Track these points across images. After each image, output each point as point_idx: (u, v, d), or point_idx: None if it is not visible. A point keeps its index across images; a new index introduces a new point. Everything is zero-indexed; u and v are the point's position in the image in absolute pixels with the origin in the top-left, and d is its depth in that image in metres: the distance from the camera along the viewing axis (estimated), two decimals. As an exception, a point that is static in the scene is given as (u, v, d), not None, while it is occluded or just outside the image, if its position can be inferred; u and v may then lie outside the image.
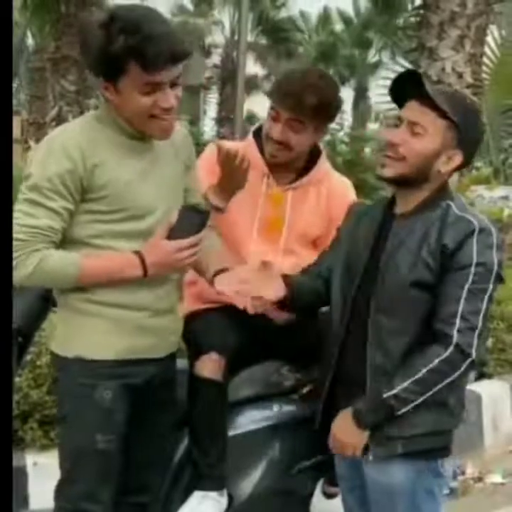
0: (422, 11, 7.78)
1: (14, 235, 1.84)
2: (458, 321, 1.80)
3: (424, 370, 1.80)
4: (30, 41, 18.75)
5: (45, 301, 2.19)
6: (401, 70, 9.14)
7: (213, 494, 2.28)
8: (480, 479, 3.78)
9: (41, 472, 2.82)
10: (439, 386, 1.82)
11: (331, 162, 2.56)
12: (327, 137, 7.74)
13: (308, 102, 2.27)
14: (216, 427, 2.32)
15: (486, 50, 9.15)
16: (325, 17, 28.00)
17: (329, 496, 2.47)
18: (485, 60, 9.04)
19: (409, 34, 8.60)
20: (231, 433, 2.39)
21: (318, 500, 2.48)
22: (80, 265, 1.90)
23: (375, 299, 1.91)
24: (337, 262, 2.04)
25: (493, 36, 9.47)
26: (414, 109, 1.88)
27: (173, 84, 1.88)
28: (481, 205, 7.50)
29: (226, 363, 2.28)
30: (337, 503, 2.39)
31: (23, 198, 1.88)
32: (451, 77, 7.61)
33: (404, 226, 1.92)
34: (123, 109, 1.91)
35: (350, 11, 27.47)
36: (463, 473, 3.76)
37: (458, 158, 1.90)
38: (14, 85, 30.82)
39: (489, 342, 4.49)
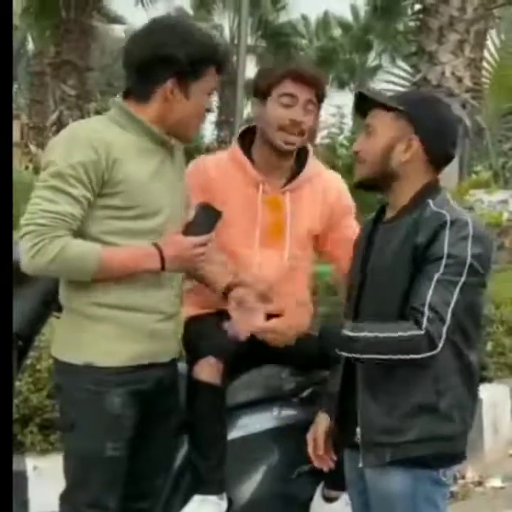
0: (421, 16, 7.81)
1: (34, 221, 1.84)
2: (426, 310, 1.78)
3: (390, 334, 1.79)
4: (30, 46, 18.78)
5: (46, 306, 2.18)
6: (401, 73, 9.17)
7: (213, 498, 2.28)
8: (480, 483, 3.78)
9: (41, 476, 2.81)
10: (392, 357, 1.79)
11: (331, 165, 2.57)
12: (327, 140, 7.75)
13: (324, 81, 2.39)
14: (215, 431, 2.31)
15: (486, 54, 9.17)
16: (325, 21, 28.05)
17: (329, 499, 2.46)
18: (484, 64, 9.07)
19: (409, 38, 8.61)
20: (231, 436, 2.39)
21: (318, 504, 2.48)
22: (101, 255, 1.90)
23: (367, 303, 1.93)
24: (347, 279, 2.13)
25: (492, 41, 9.49)
26: (368, 117, 1.98)
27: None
28: (481, 209, 7.50)
29: (224, 367, 2.28)
30: (337, 506, 2.39)
31: (44, 185, 1.88)
32: (450, 81, 7.64)
33: (390, 230, 1.95)
34: (180, 113, 2.00)
35: (349, 15, 27.53)
36: (463, 477, 3.76)
37: (415, 143, 1.92)
38: (14, 89, 30.87)
39: (489, 345, 4.49)
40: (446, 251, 1.80)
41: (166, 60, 1.93)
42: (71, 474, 2.03)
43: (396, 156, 1.92)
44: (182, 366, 2.32)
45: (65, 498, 2.05)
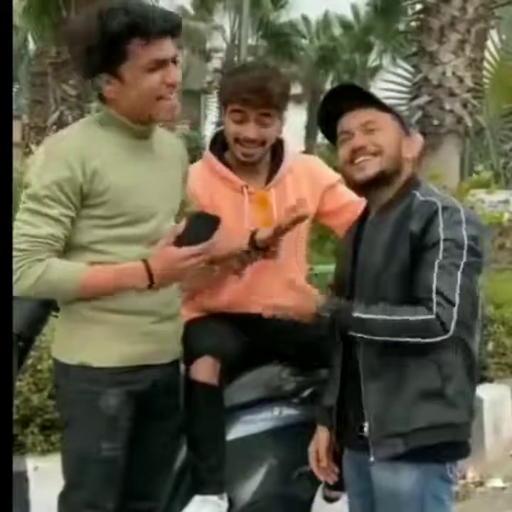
0: (422, 16, 7.80)
1: (16, 246, 1.82)
2: (434, 296, 1.79)
3: (403, 317, 1.80)
4: (31, 46, 18.77)
5: (46, 306, 2.18)
6: (402, 73, 9.14)
7: (213, 498, 2.28)
8: (481, 483, 3.78)
9: (42, 477, 2.81)
10: (401, 340, 1.80)
11: (332, 166, 2.57)
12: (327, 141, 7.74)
13: (273, 93, 2.28)
14: (213, 431, 2.31)
15: (486, 54, 9.17)
16: (325, 21, 28.04)
17: (330, 500, 2.46)
18: (485, 64, 9.06)
19: (410, 38, 8.60)
20: (231, 437, 2.39)
21: (319, 504, 2.48)
22: (82, 277, 1.87)
23: (359, 299, 1.92)
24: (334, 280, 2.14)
25: (492, 41, 9.48)
26: (356, 116, 1.96)
27: (173, 62, 1.90)
28: (482, 209, 7.50)
29: (222, 367, 2.27)
30: (338, 507, 2.39)
31: (23, 208, 1.87)
32: (451, 81, 7.64)
33: (378, 225, 1.96)
34: (127, 98, 1.90)
35: (350, 15, 27.53)
36: (464, 477, 3.76)
37: (414, 142, 1.99)
38: (15, 90, 30.87)
39: (490, 346, 4.49)
40: (442, 235, 1.82)
41: (94, 49, 1.83)
42: (68, 474, 2.03)
43: (404, 152, 1.97)
44: (181, 367, 2.32)
45: (62, 498, 2.05)
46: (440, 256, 1.81)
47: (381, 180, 1.95)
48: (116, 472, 2.01)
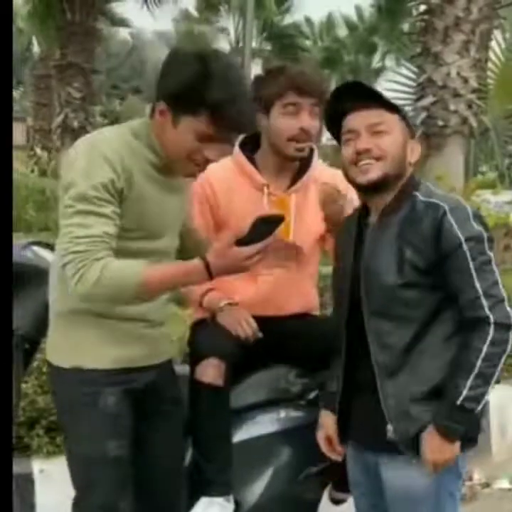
0: (426, 16, 7.78)
1: (71, 250, 1.79)
2: (484, 301, 1.81)
3: (479, 362, 1.80)
4: (35, 49, 18.83)
5: (51, 308, 2.19)
6: (407, 74, 9.11)
7: (219, 500, 2.28)
8: (487, 485, 3.77)
9: (48, 479, 2.81)
10: (499, 366, 1.82)
11: (338, 167, 2.56)
12: (333, 142, 7.72)
13: (323, 85, 2.34)
14: (219, 432, 2.31)
15: (491, 54, 9.15)
16: (329, 23, 28.05)
17: (337, 501, 2.46)
18: (489, 64, 9.04)
19: (414, 39, 8.59)
20: (238, 439, 2.38)
21: (325, 506, 2.47)
22: (144, 271, 1.83)
23: (365, 305, 1.92)
24: (333, 279, 2.12)
25: (497, 41, 9.46)
26: (363, 116, 1.93)
27: (223, 140, 1.90)
28: (487, 209, 7.48)
29: (227, 368, 2.27)
30: (345, 509, 2.39)
31: (72, 212, 1.82)
32: (456, 81, 7.62)
33: (378, 229, 1.94)
34: (165, 138, 1.91)
35: (354, 16, 27.53)
36: (470, 478, 3.75)
37: (417, 147, 1.97)
38: (19, 92, 30.98)
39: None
40: (462, 237, 1.82)
41: (181, 84, 1.84)
42: (77, 480, 2.01)
43: (408, 156, 1.95)
44: (184, 368, 2.32)
45: (76, 507, 2.03)
46: (469, 258, 1.82)
47: (383, 183, 1.93)
48: (127, 471, 2.00)
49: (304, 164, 2.46)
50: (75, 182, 1.83)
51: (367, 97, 1.92)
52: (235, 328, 2.30)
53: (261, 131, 2.41)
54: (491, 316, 1.80)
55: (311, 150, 2.46)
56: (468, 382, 1.80)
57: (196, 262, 1.87)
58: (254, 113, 1.94)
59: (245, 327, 2.30)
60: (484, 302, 1.81)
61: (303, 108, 2.31)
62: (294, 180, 2.44)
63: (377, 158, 1.91)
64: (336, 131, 2.02)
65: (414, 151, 1.97)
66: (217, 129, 1.85)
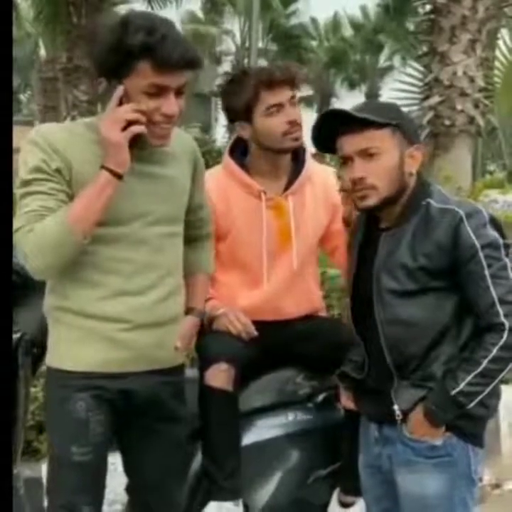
0: (433, 16, 7.76)
1: (15, 232, 1.83)
2: (499, 307, 1.80)
3: (485, 362, 1.79)
4: (42, 52, 18.88)
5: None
6: (413, 73, 9.08)
7: (229, 504, 2.27)
8: (497, 486, 3.75)
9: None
10: (505, 371, 1.81)
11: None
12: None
13: (293, 73, 2.33)
14: (228, 437, 2.30)
15: (497, 53, 9.13)
16: (335, 23, 28.05)
17: (345, 505, 2.45)
18: (496, 63, 9.02)
19: (421, 39, 8.57)
20: (246, 442, 2.38)
21: (334, 509, 2.47)
22: (65, 211, 1.82)
23: (378, 310, 1.90)
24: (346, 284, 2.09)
25: (503, 40, 9.44)
26: (354, 142, 1.87)
27: (178, 93, 1.85)
28: (495, 209, 7.45)
29: (236, 373, 2.27)
30: (353, 512, 2.38)
31: (17, 199, 1.86)
32: (463, 81, 7.60)
33: (392, 236, 1.91)
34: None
35: (359, 16, 27.50)
36: (480, 480, 3.73)
37: (417, 153, 1.92)
38: (26, 96, 31.11)
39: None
40: (477, 244, 1.81)
41: (107, 53, 1.81)
42: (47, 478, 2.02)
43: (407, 170, 1.90)
44: (193, 372, 2.32)
45: (48, 501, 2.03)
46: (485, 266, 1.81)
47: (385, 204, 1.90)
48: (90, 478, 1.97)
49: (297, 165, 2.45)
50: (18, 172, 1.87)
51: (353, 121, 1.86)
52: (226, 327, 2.31)
53: (246, 138, 2.39)
54: (507, 323, 1.79)
55: (304, 150, 2.46)
56: (469, 378, 1.80)
57: (98, 171, 1.83)
58: (193, 46, 1.85)
59: (236, 324, 2.31)
60: (499, 309, 1.80)
61: (282, 104, 2.31)
62: (290, 183, 2.43)
63: (373, 187, 1.87)
64: (328, 145, 1.95)
65: (415, 159, 1.91)
66: (161, 73, 1.78)
